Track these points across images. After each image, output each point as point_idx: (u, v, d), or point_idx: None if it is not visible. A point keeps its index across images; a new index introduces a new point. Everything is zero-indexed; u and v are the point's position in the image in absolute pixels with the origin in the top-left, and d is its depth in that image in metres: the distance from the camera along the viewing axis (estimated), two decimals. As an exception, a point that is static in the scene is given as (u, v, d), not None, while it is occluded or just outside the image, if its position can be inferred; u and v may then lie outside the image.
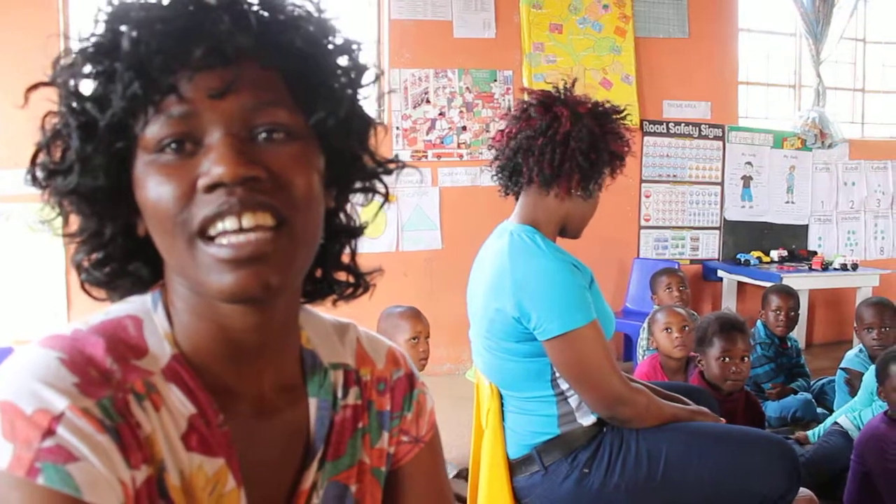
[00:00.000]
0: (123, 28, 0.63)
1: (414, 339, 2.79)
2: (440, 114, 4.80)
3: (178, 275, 0.69)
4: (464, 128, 4.84)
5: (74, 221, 0.71)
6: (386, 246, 4.68)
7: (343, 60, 0.72)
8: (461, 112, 4.84)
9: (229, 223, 0.63)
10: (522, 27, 4.95)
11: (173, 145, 0.64)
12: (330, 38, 0.71)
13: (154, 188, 0.64)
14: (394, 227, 4.72)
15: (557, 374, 1.82)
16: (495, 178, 2.00)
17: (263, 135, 0.66)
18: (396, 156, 0.82)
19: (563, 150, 1.83)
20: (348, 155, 0.75)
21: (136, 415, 0.65)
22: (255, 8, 0.66)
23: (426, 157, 4.77)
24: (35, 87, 0.68)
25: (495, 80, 4.90)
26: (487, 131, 4.84)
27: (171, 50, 0.62)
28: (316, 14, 0.71)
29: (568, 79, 1.99)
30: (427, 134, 4.79)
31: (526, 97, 1.94)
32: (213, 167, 0.62)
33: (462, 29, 4.82)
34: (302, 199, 0.67)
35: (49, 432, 0.59)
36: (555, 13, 5.01)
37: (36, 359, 0.64)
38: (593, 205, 1.97)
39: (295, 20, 0.68)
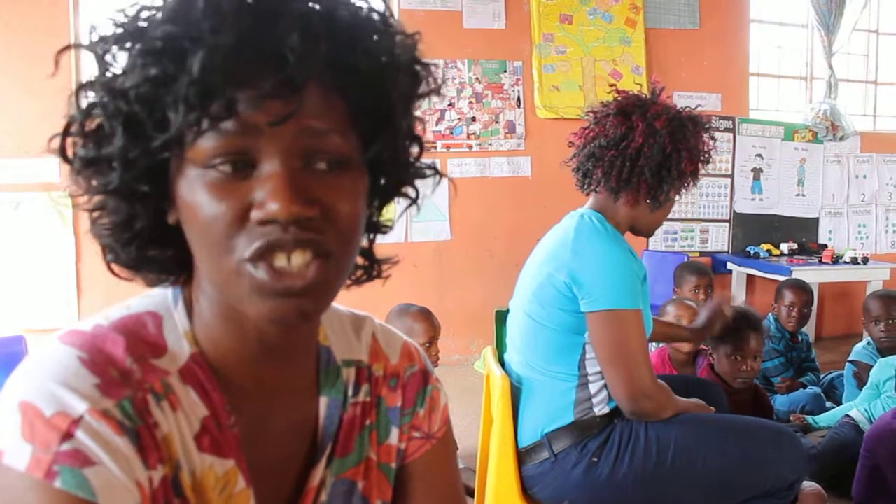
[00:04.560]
0: (186, 42, 0.59)
1: (427, 343, 2.72)
2: (449, 104, 4.79)
3: (214, 286, 0.68)
4: (473, 118, 4.83)
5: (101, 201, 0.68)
6: (395, 237, 4.66)
7: (404, 74, 0.69)
8: (471, 103, 4.83)
9: (278, 258, 0.62)
10: (532, 18, 4.93)
11: (227, 165, 0.62)
12: (394, 54, 0.68)
13: (205, 206, 0.62)
14: (403, 218, 4.69)
15: (587, 357, 1.83)
16: (572, 173, 2.04)
17: (319, 164, 0.64)
18: (433, 163, 0.79)
19: (632, 166, 1.87)
20: (394, 179, 0.75)
21: (154, 415, 0.66)
22: (321, 18, 0.62)
23: (435, 147, 4.75)
24: (67, 48, 0.65)
25: (505, 71, 4.89)
26: (497, 122, 4.84)
27: (237, 73, 0.59)
28: (381, 26, 0.67)
29: (657, 85, 2.00)
30: (436, 125, 4.77)
31: (609, 99, 1.97)
32: (268, 202, 0.61)
33: (472, 19, 4.81)
34: (348, 232, 0.66)
35: (67, 436, 0.59)
36: (565, 4, 4.99)
37: (57, 357, 0.64)
38: (664, 211, 2.00)
39: (360, 35, 0.65)
